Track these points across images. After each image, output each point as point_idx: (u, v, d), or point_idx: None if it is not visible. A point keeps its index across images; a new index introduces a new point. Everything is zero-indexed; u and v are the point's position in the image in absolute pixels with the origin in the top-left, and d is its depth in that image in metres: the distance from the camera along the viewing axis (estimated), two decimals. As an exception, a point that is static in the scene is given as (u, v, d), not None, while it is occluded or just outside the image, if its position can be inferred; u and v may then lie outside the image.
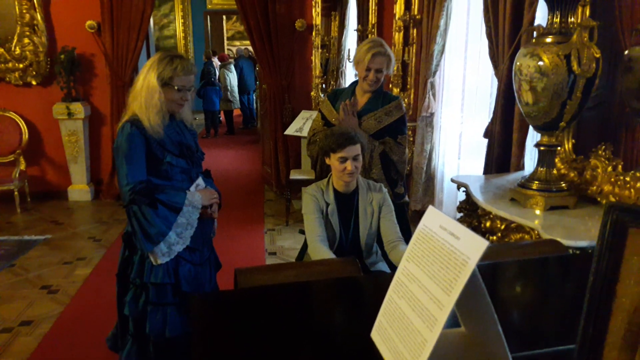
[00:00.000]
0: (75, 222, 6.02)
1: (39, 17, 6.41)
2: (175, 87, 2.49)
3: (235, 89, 12.10)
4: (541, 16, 3.29)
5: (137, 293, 2.63)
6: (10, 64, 6.47)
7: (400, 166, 3.30)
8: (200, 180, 2.77)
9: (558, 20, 2.62)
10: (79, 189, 6.80)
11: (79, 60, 6.50)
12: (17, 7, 6.36)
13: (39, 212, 6.32)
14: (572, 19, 2.64)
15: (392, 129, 3.26)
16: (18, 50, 6.46)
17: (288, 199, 5.90)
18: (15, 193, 6.20)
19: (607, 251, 0.95)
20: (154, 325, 2.58)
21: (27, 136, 6.56)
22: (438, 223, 1.21)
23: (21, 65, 6.48)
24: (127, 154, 2.47)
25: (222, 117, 12.90)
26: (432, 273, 1.16)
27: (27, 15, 6.39)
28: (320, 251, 2.66)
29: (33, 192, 6.65)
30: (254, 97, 12.43)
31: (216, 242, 2.97)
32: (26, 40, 6.46)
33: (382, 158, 3.24)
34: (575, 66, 2.50)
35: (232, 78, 12.00)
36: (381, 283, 1.90)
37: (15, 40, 6.45)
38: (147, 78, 2.49)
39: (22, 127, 6.55)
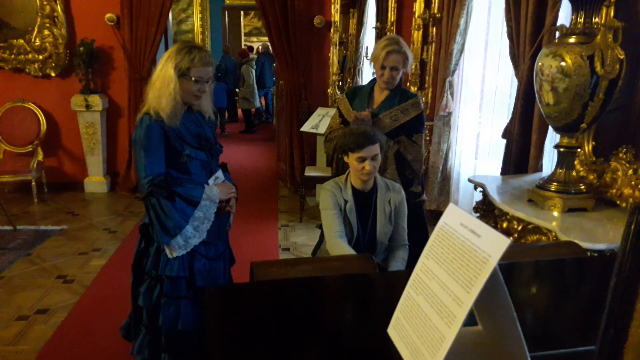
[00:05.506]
0: (91, 213, 6.07)
1: (59, 9, 6.47)
2: (193, 78, 2.47)
3: (255, 87, 11.94)
4: (563, 16, 3.26)
5: (151, 285, 2.63)
6: (30, 55, 6.54)
7: (416, 165, 3.25)
8: (219, 173, 2.76)
9: (582, 20, 2.58)
10: (95, 181, 6.85)
11: (97, 52, 6.55)
12: (38, -1, 6.42)
13: (56, 203, 6.38)
14: (596, 20, 2.60)
15: (408, 127, 3.22)
16: (38, 42, 6.53)
17: (302, 195, 5.90)
18: (33, 183, 6.29)
19: (631, 252, 0.93)
20: (166, 318, 2.59)
21: (45, 127, 6.63)
22: (458, 220, 1.20)
23: (41, 57, 6.55)
24: (146, 146, 2.46)
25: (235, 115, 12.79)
26: (451, 270, 1.15)
27: (48, 7, 6.45)
28: (340, 247, 2.65)
29: (50, 182, 6.73)
30: (272, 93, 12.40)
31: (230, 237, 2.98)
32: (46, 32, 6.52)
33: (397, 158, 3.21)
34: (598, 67, 2.46)
35: (254, 76, 11.88)
36: (396, 280, 1.90)
37: (35, 32, 6.52)
38: (164, 68, 2.48)
39: (40, 118, 6.62)
